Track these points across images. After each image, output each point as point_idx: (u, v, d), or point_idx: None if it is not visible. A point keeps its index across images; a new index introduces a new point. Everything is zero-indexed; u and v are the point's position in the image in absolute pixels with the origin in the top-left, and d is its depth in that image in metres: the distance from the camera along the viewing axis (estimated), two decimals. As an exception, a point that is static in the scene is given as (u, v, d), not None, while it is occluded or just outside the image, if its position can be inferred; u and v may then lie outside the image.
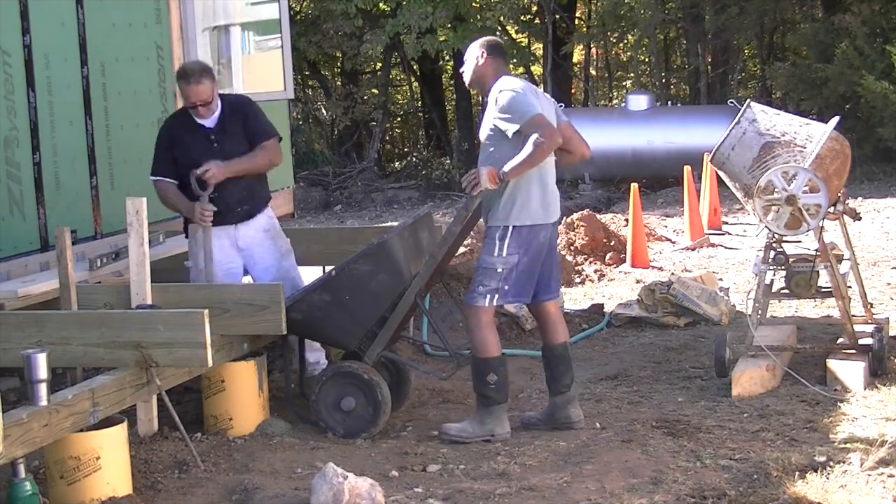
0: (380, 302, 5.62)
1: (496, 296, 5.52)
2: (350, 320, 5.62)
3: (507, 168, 5.36)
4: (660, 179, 16.14)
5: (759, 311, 6.33)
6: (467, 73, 5.73)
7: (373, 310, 5.63)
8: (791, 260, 6.35)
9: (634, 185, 10.84)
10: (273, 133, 6.24)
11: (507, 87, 5.49)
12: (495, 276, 5.49)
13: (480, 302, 5.52)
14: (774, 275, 6.41)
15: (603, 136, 15.51)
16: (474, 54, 5.68)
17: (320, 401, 5.64)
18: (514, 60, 20.56)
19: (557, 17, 19.97)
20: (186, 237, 6.28)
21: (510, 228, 5.48)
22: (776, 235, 6.24)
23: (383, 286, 5.60)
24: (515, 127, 5.39)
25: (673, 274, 9.06)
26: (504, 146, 5.44)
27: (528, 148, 5.35)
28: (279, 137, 6.29)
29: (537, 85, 21.28)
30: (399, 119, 25.25)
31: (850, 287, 6.77)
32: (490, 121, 5.53)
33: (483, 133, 5.59)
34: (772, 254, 6.29)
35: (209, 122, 6.12)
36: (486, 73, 5.65)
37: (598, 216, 11.16)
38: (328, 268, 7.15)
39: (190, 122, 6.12)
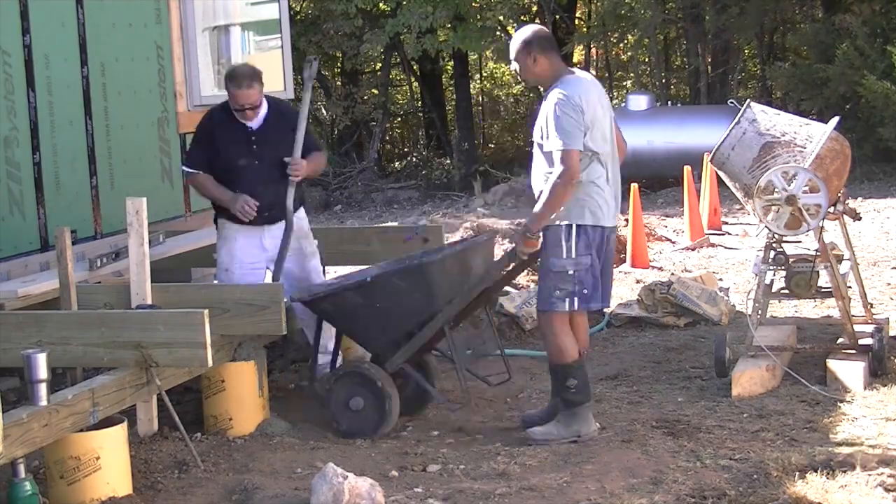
0: (409, 319, 5.56)
1: (575, 299, 5.30)
2: (376, 327, 5.61)
3: (532, 224, 5.24)
4: (660, 179, 16.14)
5: (759, 311, 6.32)
6: (521, 75, 5.48)
7: (401, 325, 5.58)
8: (791, 260, 6.35)
9: (634, 185, 10.83)
10: (320, 146, 6.53)
11: (559, 100, 5.20)
12: (568, 279, 5.27)
13: (560, 307, 5.30)
14: (774, 275, 6.41)
15: (603, 136, 15.48)
16: (524, 56, 5.36)
17: (333, 393, 5.63)
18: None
19: (557, 17, 19.97)
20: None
21: (573, 227, 5.26)
22: (776, 235, 6.24)
23: (415, 305, 5.53)
24: (547, 148, 5.23)
25: (673, 274, 9.06)
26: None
27: (545, 193, 5.19)
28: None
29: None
30: (399, 119, 25.25)
31: (850, 287, 6.77)
32: (539, 127, 5.32)
33: (536, 134, 5.35)
34: (772, 254, 6.29)
35: (253, 123, 6.12)
36: (544, 74, 5.37)
37: (598, 216, 11.14)
38: (328, 268, 7.16)
39: (232, 121, 6.11)
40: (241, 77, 6.01)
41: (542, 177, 5.34)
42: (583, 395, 5.42)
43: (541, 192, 5.30)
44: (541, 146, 5.32)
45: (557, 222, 5.27)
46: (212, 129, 6.18)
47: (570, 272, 5.26)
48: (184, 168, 6.26)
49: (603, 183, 5.33)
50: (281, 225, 6.17)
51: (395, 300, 5.52)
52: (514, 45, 5.42)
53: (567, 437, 5.34)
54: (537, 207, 5.22)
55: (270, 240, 6.21)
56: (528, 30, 5.45)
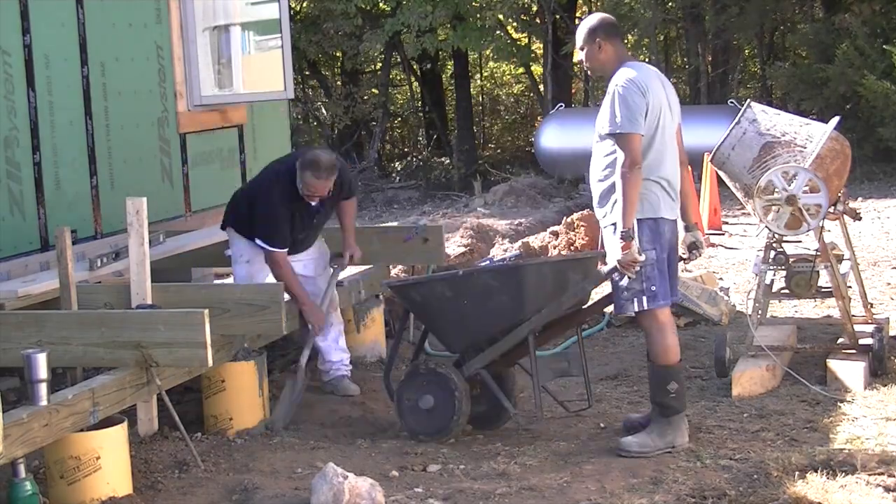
0: (492, 321, 5.40)
1: (644, 298, 5.12)
2: (460, 325, 5.48)
3: (622, 223, 5.01)
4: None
5: (759, 311, 6.32)
6: (586, 62, 5.35)
7: (484, 326, 5.43)
8: (791, 260, 6.35)
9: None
10: (356, 189, 6.63)
11: (623, 83, 5.09)
12: (635, 276, 5.09)
13: (629, 309, 5.16)
14: (774, 275, 6.41)
15: (603, 136, 15.51)
16: (588, 42, 5.28)
17: (403, 390, 5.56)
18: (515, 60, 20.54)
19: (557, 16, 19.95)
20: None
21: (634, 222, 5.06)
22: (776, 235, 6.24)
23: (501, 308, 5.37)
24: (609, 131, 5.11)
25: (673, 274, 9.04)
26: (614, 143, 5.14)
27: (618, 187, 5.05)
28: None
29: (538, 84, 21.28)
30: (399, 119, 25.24)
31: (850, 287, 6.77)
32: (604, 115, 5.17)
33: (598, 124, 5.22)
34: (772, 254, 6.29)
35: (314, 201, 6.16)
36: (608, 61, 5.27)
37: (599, 216, 11.13)
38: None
39: (299, 200, 6.11)
40: (324, 169, 5.97)
41: (598, 174, 5.25)
42: (680, 403, 5.23)
43: (603, 191, 5.20)
44: (601, 136, 5.20)
45: (618, 219, 5.09)
46: (289, 209, 6.10)
47: (636, 269, 5.07)
48: (268, 247, 6.05)
49: (661, 174, 5.18)
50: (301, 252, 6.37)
51: (484, 300, 5.39)
52: (581, 33, 5.34)
53: (662, 448, 5.14)
54: (619, 206, 5.04)
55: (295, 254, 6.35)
56: (594, 17, 5.39)
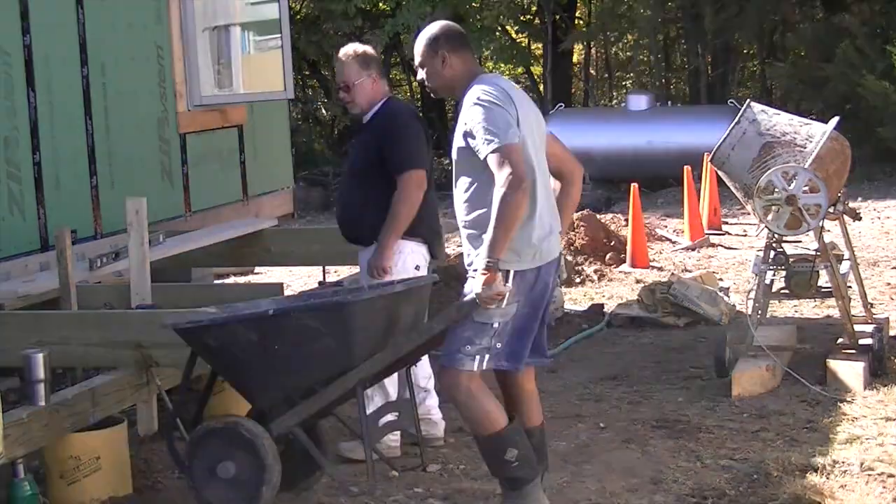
0: (313, 372, 4.35)
1: (486, 356, 4.16)
2: (269, 376, 4.40)
3: (489, 254, 4.00)
4: (660, 179, 16.13)
5: (759, 311, 6.32)
6: (428, 81, 4.37)
7: (301, 376, 4.37)
8: (791, 260, 6.35)
9: (634, 185, 10.84)
10: (406, 166, 5.11)
11: (483, 94, 4.14)
12: (488, 331, 4.14)
13: (469, 365, 4.15)
14: (774, 275, 6.41)
15: (603, 136, 15.56)
16: (430, 57, 4.32)
17: (195, 454, 4.41)
18: (514, 60, 20.56)
19: (557, 16, 19.97)
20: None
21: (511, 274, 4.11)
22: (776, 235, 6.24)
23: (324, 354, 4.32)
24: (482, 153, 4.08)
25: (673, 274, 9.05)
26: (481, 170, 4.11)
27: (494, 211, 4.01)
28: (414, 166, 5.13)
29: (538, 84, 21.30)
30: (399, 119, 25.22)
31: (850, 287, 6.77)
32: (461, 137, 4.19)
33: (455, 150, 4.24)
34: (772, 254, 6.29)
35: (364, 119, 5.39)
36: (456, 77, 4.32)
37: (598, 216, 11.15)
38: (329, 267, 7.13)
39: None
40: (344, 48, 5.38)
41: (463, 217, 4.25)
42: (529, 469, 4.25)
43: (472, 234, 4.22)
44: (459, 163, 4.25)
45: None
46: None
47: (495, 325, 4.14)
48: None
49: (542, 205, 4.21)
50: (364, 250, 5.25)
51: (301, 345, 4.32)
52: (419, 46, 4.37)
53: None
54: (490, 233, 4.01)
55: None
56: (435, 26, 4.39)
